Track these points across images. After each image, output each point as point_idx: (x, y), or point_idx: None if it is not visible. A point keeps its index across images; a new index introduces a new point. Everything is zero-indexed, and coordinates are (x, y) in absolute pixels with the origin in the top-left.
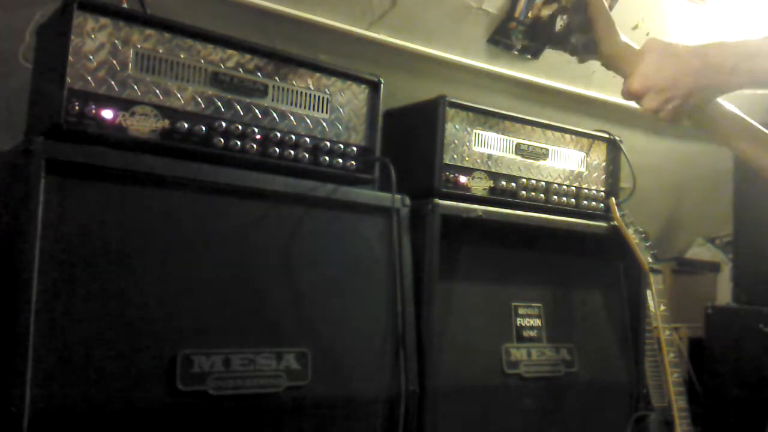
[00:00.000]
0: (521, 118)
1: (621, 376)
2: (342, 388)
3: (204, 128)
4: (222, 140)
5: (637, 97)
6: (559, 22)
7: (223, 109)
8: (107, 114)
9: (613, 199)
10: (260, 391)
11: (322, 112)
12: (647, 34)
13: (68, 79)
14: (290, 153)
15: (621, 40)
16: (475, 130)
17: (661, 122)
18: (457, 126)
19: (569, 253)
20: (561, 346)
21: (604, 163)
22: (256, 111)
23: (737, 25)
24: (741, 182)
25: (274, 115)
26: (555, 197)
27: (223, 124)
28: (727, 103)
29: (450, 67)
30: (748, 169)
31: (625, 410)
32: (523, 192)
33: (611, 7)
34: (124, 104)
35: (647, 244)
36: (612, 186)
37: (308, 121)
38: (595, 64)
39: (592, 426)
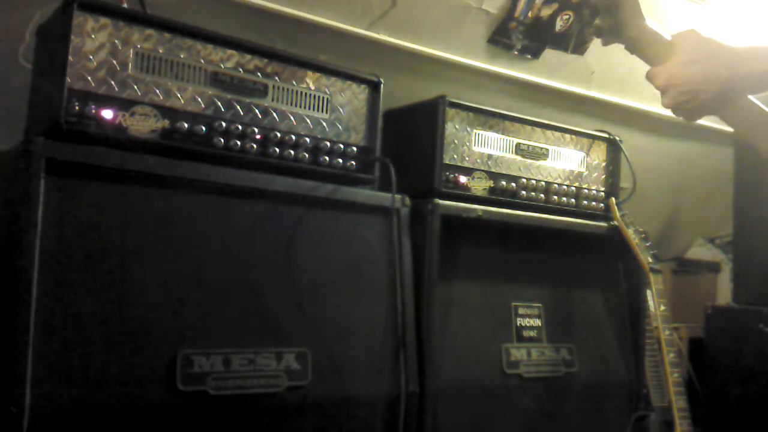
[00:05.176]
0: (521, 118)
1: (621, 376)
2: (342, 388)
3: (204, 128)
4: (222, 140)
5: (659, 90)
6: (559, 23)
7: (223, 109)
8: (107, 114)
9: (613, 199)
10: (260, 391)
11: (322, 112)
12: None
13: (68, 79)
14: (290, 153)
15: (647, 25)
16: (475, 130)
17: (660, 121)
18: (457, 126)
19: (569, 253)
20: (561, 346)
21: (604, 163)
22: (256, 111)
23: (737, 25)
24: (741, 182)
25: (274, 115)
26: (555, 197)
27: (223, 124)
28: (752, 97)
29: (450, 67)
30: (748, 169)
31: (625, 410)
32: (523, 192)
33: None
34: (124, 104)
35: (647, 244)
36: (612, 186)
37: (308, 121)
38: (594, 65)
39: (592, 426)
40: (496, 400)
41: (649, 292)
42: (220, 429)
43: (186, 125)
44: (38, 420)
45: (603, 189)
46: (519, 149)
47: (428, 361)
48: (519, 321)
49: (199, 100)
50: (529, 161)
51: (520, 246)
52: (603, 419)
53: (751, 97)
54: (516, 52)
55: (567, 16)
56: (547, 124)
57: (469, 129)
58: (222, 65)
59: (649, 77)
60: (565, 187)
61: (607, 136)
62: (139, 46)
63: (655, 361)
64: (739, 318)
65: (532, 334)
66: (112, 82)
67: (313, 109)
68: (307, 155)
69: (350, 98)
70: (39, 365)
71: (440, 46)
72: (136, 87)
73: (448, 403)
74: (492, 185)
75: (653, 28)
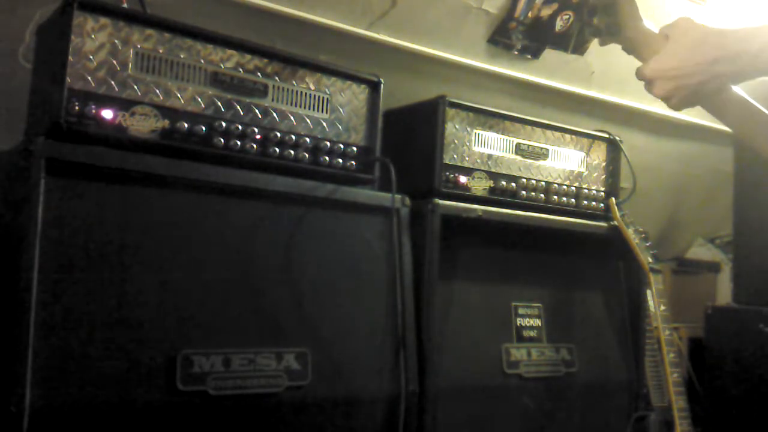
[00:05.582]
0: (521, 118)
1: (621, 376)
2: (342, 388)
3: (204, 128)
4: (222, 140)
5: (648, 82)
6: (559, 23)
7: (223, 109)
8: (107, 114)
9: (613, 199)
10: (260, 391)
11: (322, 112)
12: None
13: (68, 79)
14: (290, 153)
15: (644, 25)
16: (475, 130)
17: (660, 121)
18: (457, 126)
19: (569, 253)
20: (561, 346)
21: (604, 163)
22: (256, 111)
23: (737, 25)
24: (741, 182)
25: (274, 115)
26: (555, 197)
27: (223, 124)
28: (741, 91)
29: (450, 67)
30: (748, 169)
31: (625, 410)
32: (523, 192)
33: None
34: (124, 104)
35: (647, 244)
36: (612, 186)
37: (308, 121)
38: (594, 65)
39: (592, 426)
40: (496, 400)
41: (649, 292)
42: (220, 429)
43: (186, 125)
44: (38, 420)
45: (603, 189)
46: (519, 149)
47: (428, 361)
48: (519, 321)
49: (199, 100)
50: (529, 161)
51: (520, 246)
52: (603, 419)
53: (748, 98)
54: (516, 52)
55: (567, 16)
56: (547, 124)
57: (469, 129)
58: (222, 65)
59: (638, 73)
60: (565, 187)
61: (607, 136)
62: (139, 46)
63: (655, 361)
64: (739, 318)
65: (532, 334)
66: (112, 82)
67: (313, 109)
68: (307, 155)
69: (350, 98)
70: (39, 365)
71: (440, 46)
72: (136, 87)
73: (448, 403)
74: (492, 185)
75: (650, 29)
